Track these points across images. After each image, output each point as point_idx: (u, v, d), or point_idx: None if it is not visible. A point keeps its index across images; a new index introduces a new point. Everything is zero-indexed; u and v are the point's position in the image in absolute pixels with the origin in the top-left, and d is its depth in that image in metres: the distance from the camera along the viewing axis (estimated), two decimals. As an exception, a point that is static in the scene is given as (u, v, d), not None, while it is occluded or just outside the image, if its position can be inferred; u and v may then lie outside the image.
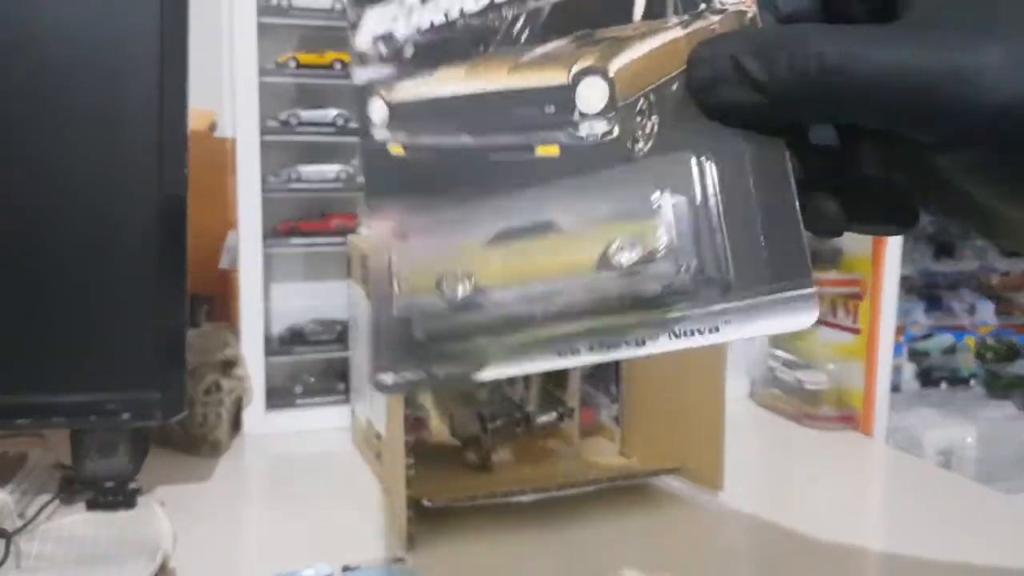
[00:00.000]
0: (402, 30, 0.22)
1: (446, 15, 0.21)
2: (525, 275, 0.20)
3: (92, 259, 0.51)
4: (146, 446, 0.56)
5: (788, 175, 0.19)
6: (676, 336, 0.19)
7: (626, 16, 0.20)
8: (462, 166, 0.21)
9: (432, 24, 0.21)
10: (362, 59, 0.22)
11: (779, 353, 0.81)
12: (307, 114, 0.70)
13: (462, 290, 0.20)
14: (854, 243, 0.74)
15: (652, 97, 0.20)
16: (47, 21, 0.49)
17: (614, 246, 0.19)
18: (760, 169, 0.19)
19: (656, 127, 0.20)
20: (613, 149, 0.20)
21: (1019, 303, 0.98)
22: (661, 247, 0.19)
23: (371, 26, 0.22)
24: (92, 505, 0.51)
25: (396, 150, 0.22)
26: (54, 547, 0.45)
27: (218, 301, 0.74)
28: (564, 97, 0.20)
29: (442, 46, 0.22)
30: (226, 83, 0.71)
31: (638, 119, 0.20)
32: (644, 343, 0.19)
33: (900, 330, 0.89)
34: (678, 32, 0.20)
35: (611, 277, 0.19)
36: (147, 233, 0.51)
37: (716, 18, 0.19)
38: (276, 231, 0.72)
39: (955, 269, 0.96)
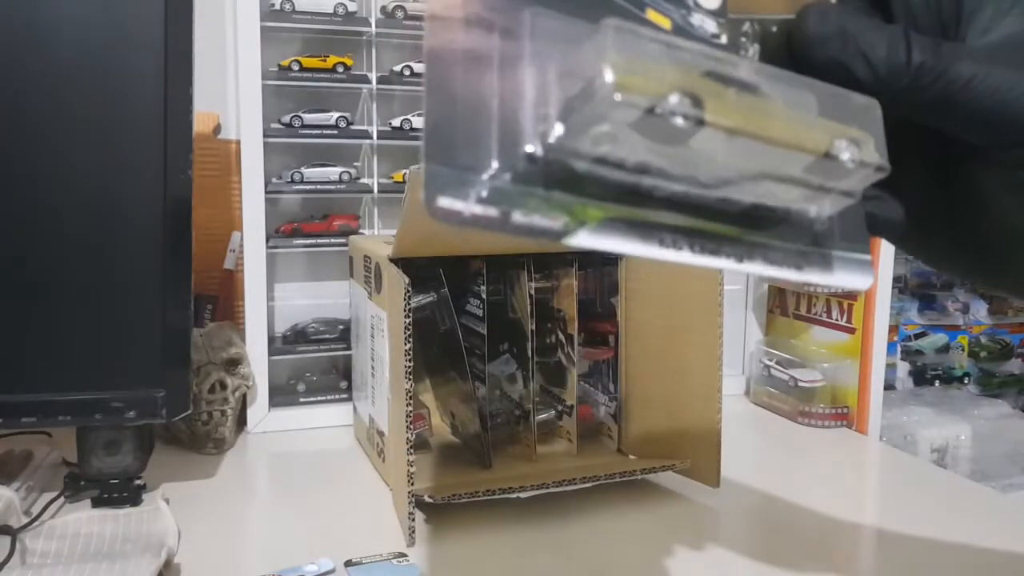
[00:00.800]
0: None
1: None
2: (751, 129, 0.17)
3: (97, 259, 0.51)
4: (151, 444, 0.57)
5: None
6: (769, 263, 0.19)
7: None
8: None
9: None
10: None
11: (775, 352, 0.82)
12: (310, 117, 0.71)
13: (689, 111, 0.16)
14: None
15: (757, 27, 0.20)
16: (52, 25, 0.50)
17: (842, 142, 0.18)
18: None
19: (757, 56, 0.20)
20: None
21: (1012, 302, 0.99)
22: (873, 162, 0.18)
23: None
24: (97, 502, 0.52)
25: None
26: (59, 544, 0.45)
27: (222, 301, 0.74)
28: None
29: None
30: (230, 86, 0.72)
31: (743, 39, 0.20)
32: (742, 260, 0.19)
33: (894, 329, 0.89)
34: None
35: (810, 178, 0.18)
36: (152, 234, 0.51)
37: None
38: (279, 232, 0.72)
39: (949, 269, 0.96)
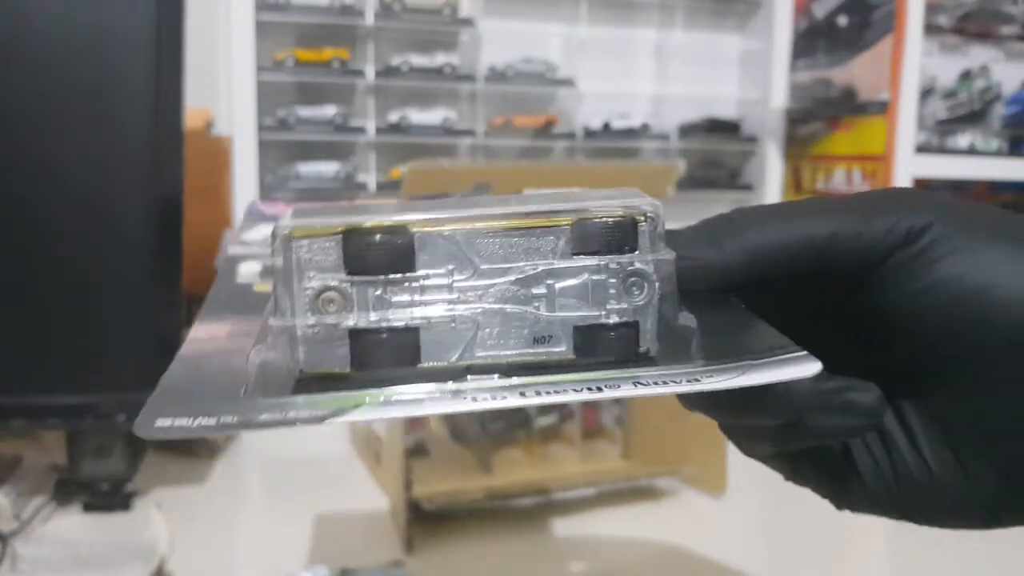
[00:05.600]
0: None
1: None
2: (481, 226, 0.16)
3: (87, 259, 0.50)
4: (142, 448, 0.56)
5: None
6: (640, 385, 0.17)
7: None
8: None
9: None
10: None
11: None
12: (305, 112, 0.70)
13: (391, 228, 0.15)
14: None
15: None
16: (40, 18, 0.48)
17: (599, 206, 0.17)
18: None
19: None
20: None
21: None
22: (658, 213, 0.18)
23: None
24: (88, 507, 0.51)
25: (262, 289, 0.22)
26: (50, 550, 0.45)
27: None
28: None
29: None
30: (223, 81, 0.71)
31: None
32: (601, 389, 0.16)
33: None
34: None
35: (591, 262, 0.17)
36: (143, 232, 0.50)
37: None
38: (274, 230, 0.71)
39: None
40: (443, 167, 0.50)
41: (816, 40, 0.81)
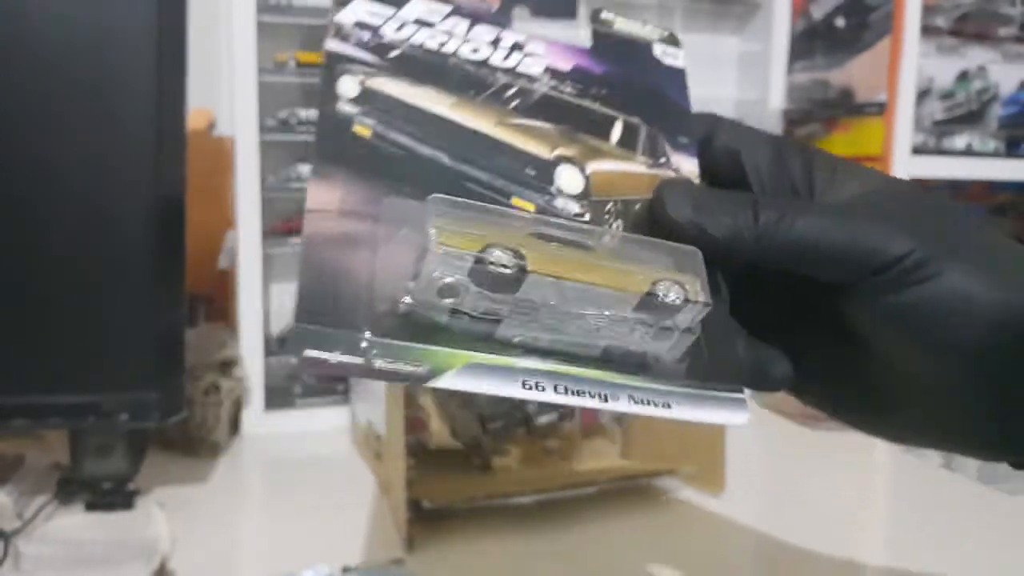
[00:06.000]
0: (390, 33, 0.23)
1: (440, 46, 0.23)
2: (575, 276, 0.20)
3: (89, 259, 0.50)
4: (144, 447, 0.56)
5: (724, 296, 0.23)
6: (634, 402, 0.21)
7: (604, 136, 0.23)
8: (435, 176, 0.21)
9: (424, 45, 0.23)
10: (339, 32, 0.23)
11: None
12: (306, 113, 0.70)
13: (511, 262, 0.19)
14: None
15: (619, 205, 0.23)
16: (42, 18, 0.49)
17: (665, 284, 0.21)
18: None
19: (621, 229, 0.23)
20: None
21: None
22: (700, 300, 0.21)
23: (358, 11, 0.23)
24: (90, 506, 0.51)
25: (363, 131, 0.21)
26: (52, 548, 0.45)
27: (216, 301, 0.73)
28: (544, 169, 0.22)
29: (432, 68, 0.23)
30: (225, 82, 0.71)
31: (606, 216, 0.23)
32: (607, 400, 0.20)
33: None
34: (643, 168, 0.24)
35: (642, 317, 0.21)
36: (145, 232, 0.50)
37: (671, 172, 0.24)
38: (275, 231, 0.71)
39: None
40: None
41: (814, 42, 0.81)
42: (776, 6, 0.81)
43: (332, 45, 0.23)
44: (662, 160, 0.24)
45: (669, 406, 0.21)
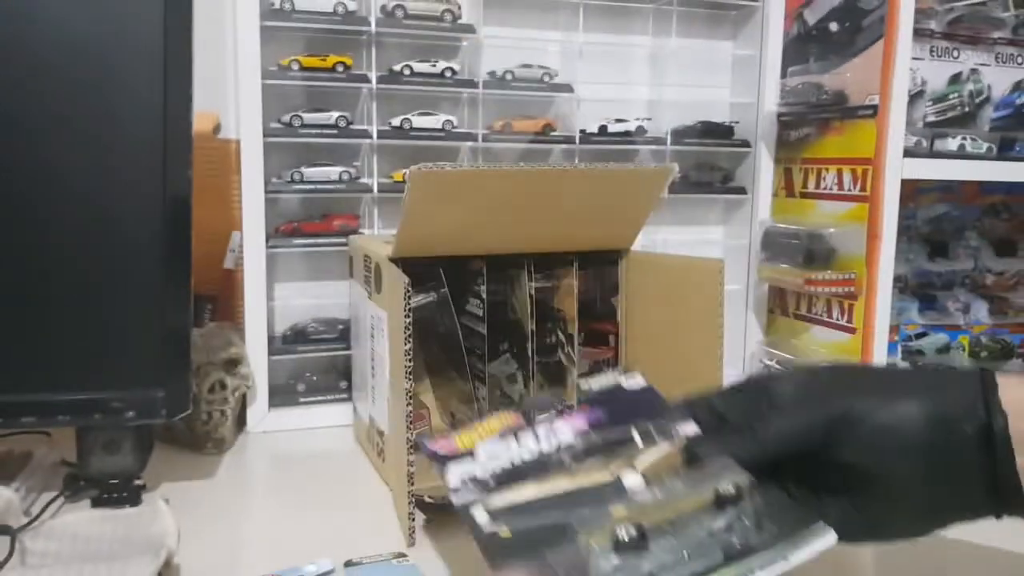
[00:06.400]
0: (480, 472, 0.34)
1: (512, 463, 0.34)
2: (664, 517, 0.30)
3: (97, 259, 0.51)
4: (151, 444, 0.57)
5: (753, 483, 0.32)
6: (765, 570, 0.29)
7: (632, 445, 0.34)
8: (555, 531, 0.31)
9: (501, 467, 0.34)
10: (455, 491, 0.34)
11: (775, 352, 0.82)
12: (310, 116, 0.71)
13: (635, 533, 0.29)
14: (849, 243, 0.75)
15: (667, 472, 0.34)
16: (50, 24, 0.50)
17: (722, 486, 0.31)
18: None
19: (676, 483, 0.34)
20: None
21: (1013, 303, 0.99)
22: (745, 486, 0.31)
23: (456, 473, 0.34)
24: (97, 502, 0.52)
25: (505, 534, 0.32)
26: (59, 544, 0.45)
27: (222, 301, 0.74)
28: (615, 486, 0.33)
29: (515, 474, 0.34)
30: (230, 85, 0.72)
31: (662, 482, 0.33)
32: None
33: (894, 329, 0.89)
34: (668, 447, 0.34)
35: (719, 516, 0.30)
36: (151, 233, 0.51)
37: (677, 442, 0.34)
38: (279, 231, 0.72)
39: (949, 269, 0.97)
40: (445, 170, 0.51)
41: (808, 46, 0.82)
42: (770, 11, 0.83)
43: (456, 498, 0.34)
44: (673, 436, 0.34)
45: (787, 558, 0.29)
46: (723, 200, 0.88)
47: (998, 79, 0.85)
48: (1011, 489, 0.30)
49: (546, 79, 0.78)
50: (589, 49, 0.79)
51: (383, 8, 0.72)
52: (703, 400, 0.37)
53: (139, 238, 0.51)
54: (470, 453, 0.34)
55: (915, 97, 0.80)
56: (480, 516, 0.32)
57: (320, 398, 0.73)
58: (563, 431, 0.34)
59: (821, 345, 0.80)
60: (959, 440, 0.30)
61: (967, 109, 0.83)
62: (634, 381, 0.37)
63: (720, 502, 0.30)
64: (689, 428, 0.34)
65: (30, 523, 0.47)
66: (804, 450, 0.32)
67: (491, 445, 0.34)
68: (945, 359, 0.96)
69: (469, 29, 0.75)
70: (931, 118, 0.82)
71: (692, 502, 0.30)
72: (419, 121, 0.74)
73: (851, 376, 0.35)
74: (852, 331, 0.76)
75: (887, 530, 0.35)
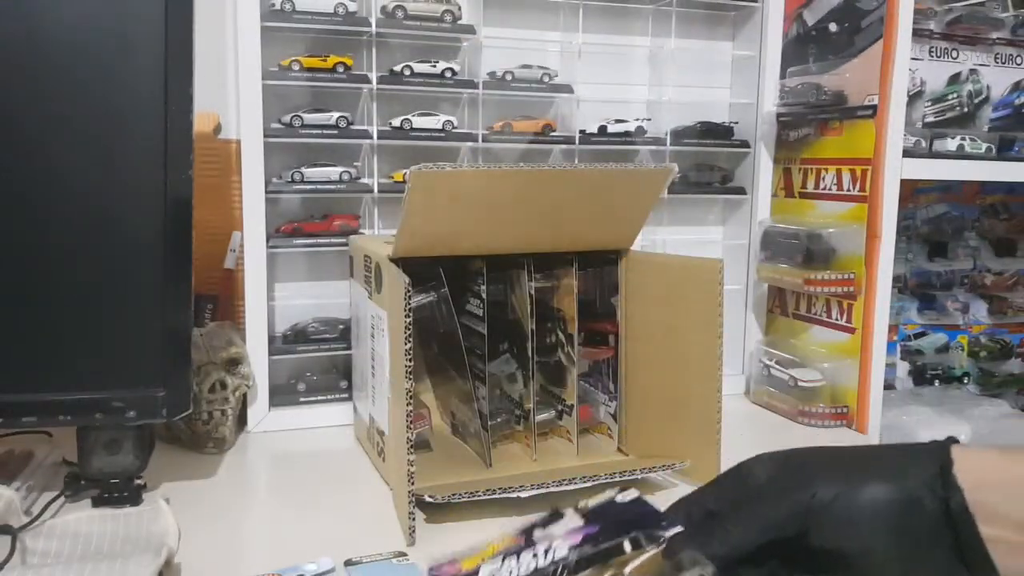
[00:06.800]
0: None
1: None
2: None
3: (98, 259, 0.51)
4: (151, 443, 0.57)
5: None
6: None
7: (622, 553, 0.35)
8: None
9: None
10: None
11: (774, 352, 0.82)
12: (310, 116, 0.71)
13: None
14: (848, 243, 0.75)
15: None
16: (52, 25, 0.50)
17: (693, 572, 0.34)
18: None
19: None
20: None
21: (1012, 302, 0.99)
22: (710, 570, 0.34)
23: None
24: (98, 502, 0.52)
25: None
26: (60, 543, 0.45)
27: (222, 300, 0.74)
28: None
29: None
30: (231, 86, 0.72)
31: None
32: None
33: (894, 329, 0.90)
34: (654, 550, 0.35)
35: None
36: (152, 233, 0.51)
37: (663, 543, 0.36)
38: (279, 231, 0.72)
39: (949, 268, 0.97)
40: (445, 170, 0.51)
41: (807, 46, 0.83)
42: (770, 12, 0.83)
43: None
44: (661, 540, 0.36)
45: None
46: (722, 200, 0.88)
47: (997, 79, 0.86)
48: (979, 559, 0.32)
49: (546, 79, 0.78)
50: (589, 50, 0.79)
51: (383, 9, 0.72)
52: (696, 497, 0.39)
53: (140, 238, 0.51)
54: (475, 573, 0.37)
55: (914, 97, 0.80)
56: None
57: (320, 398, 0.73)
58: (559, 547, 0.36)
59: (820, 345, 0.80)
60: (924, 517, 0.32)
61: (966, 109, 0.83)
62: (626, 495, 0.39)
63: None
64: (676, 530, 0.36)
65: (31, 522, 0.47)
66: (779, 538, 0.34)
67: (492, 565, 0.36)
68: (944, 358, 0.96)
69: (469, 30, 0.75)
70: (930, 118, 0.82)
71: None
72: (419, 121, 0.74)
73: (817, 461, 0.37)
74: (851, 331, 0.76)
75: None
